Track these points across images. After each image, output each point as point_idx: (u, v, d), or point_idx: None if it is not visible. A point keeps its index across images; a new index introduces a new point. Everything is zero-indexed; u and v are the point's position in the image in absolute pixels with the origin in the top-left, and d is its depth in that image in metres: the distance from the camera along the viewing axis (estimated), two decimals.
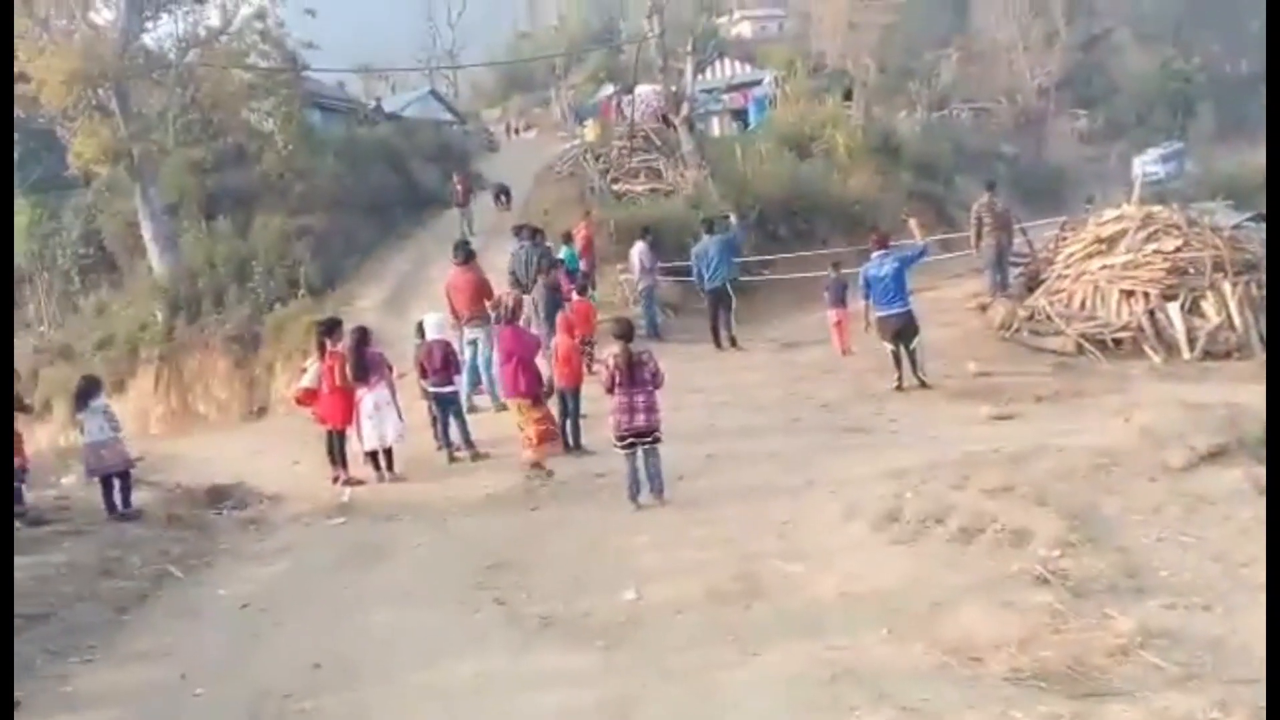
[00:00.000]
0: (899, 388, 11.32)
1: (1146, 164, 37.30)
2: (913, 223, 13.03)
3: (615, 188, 24.57)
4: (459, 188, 23.21)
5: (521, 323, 9.88)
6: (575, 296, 13.35)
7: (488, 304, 11.55)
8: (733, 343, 15.14)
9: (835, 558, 6.36)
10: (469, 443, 10.09)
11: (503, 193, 25.41)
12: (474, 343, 11.88)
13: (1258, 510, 6.39)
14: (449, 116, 42.49)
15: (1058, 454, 7.59)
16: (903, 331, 11.40)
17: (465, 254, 12.28)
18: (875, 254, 11.72)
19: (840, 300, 14.14)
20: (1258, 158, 51.31)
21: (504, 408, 11.67)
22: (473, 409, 11.45)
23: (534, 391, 9.11)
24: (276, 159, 23.48)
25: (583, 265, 16.97)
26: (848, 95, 34.42)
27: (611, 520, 7.69)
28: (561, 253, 16.40)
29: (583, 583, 6.43)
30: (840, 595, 5.79)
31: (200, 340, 18.98)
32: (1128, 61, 60.07)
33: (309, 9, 24.43)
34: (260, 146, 23.93)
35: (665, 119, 26.28)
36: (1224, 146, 55.16)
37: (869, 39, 48.01)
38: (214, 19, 22.88)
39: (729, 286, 15.11)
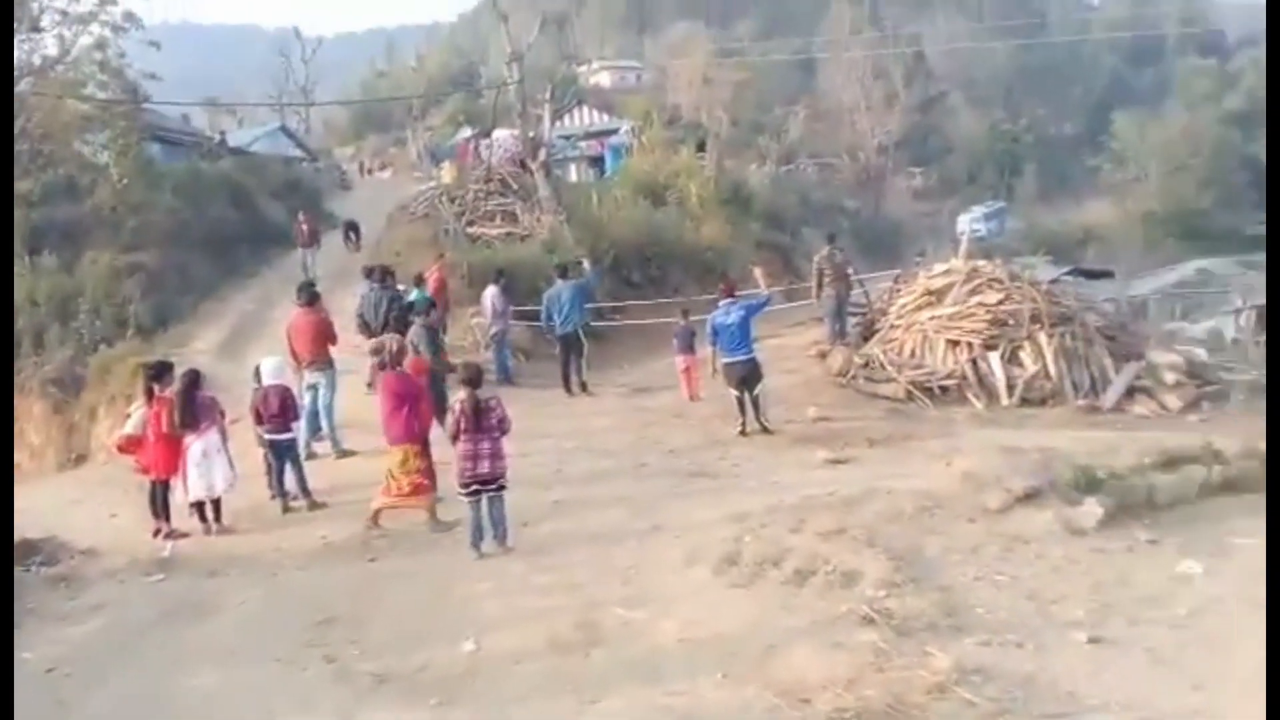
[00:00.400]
0: (743, 433, 11.60)
1: (971, 221, 39.66)
2: (758, 272, 13.47)
3: (470, 231, 24.44)
4: (304, 227, 22.59)
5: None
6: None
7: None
8: (583, 388, 15.20)
9: (676, 603, 6.43)
10: (306, 491, 9.72)
11: (352, 230, 24.89)
12: (314, 387, 11.51)
13: (1067, 549, 6.84)
14: (299, 153, 41.47)
15: (887, 497, 7.92)
16: (747, 378, 11.72)
17: (309, 295, 11.93)
18: (723, 302, 12.05)
19: (689, 347, 14.41)
20: (1078, 215, 55.72)
21: (345, 454, 11.38)
22: (311, 456, 11.07)
23: (425, 437, 8.87)
24: (110, 192, 22.32)
25: (436, 310, 16.72)
26: (701, 147, 35.40)
27: (453, 570, 7.55)
28: (412, 295, 16.13)
29: (419, 636, 6.28)
30: (680, 641, 5.85)
31: (16, 383, 17.69)
32: (961, 123, 64.19)
33: (153, 41, 23.52)
34: (93, 179, 22.72)
35: (522, 164, 26.38)
36: (1047, 204, 59.56)
37: (722, 94, 49.74)
38: (51, 48, 21.80)
39: (580, 332, 15.20)
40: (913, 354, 14.06)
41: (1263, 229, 55.21)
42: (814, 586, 6.35)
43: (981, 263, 15.20)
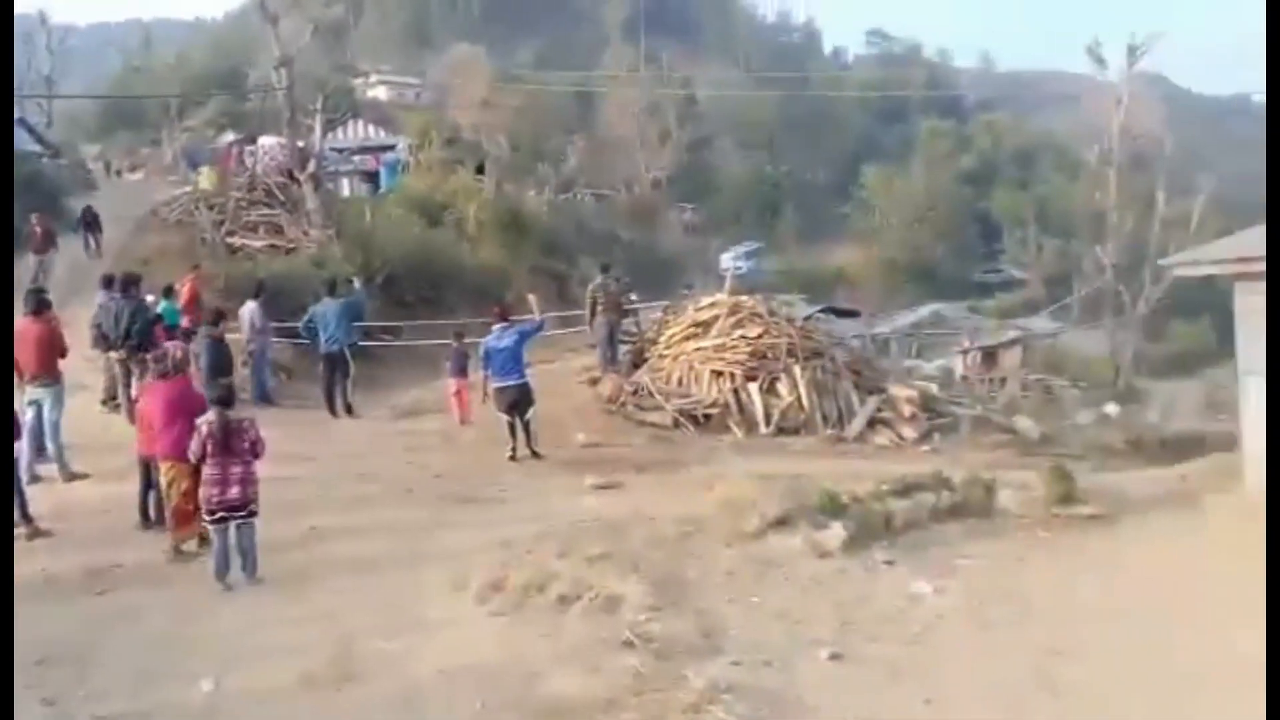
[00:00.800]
0: (513, 458, 11.57)
1: (733, 259, 41.40)
2: (532, 298, 13.53)
3: (230, 241, 23.05)
4: (37, 230, 20.42)
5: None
6: None
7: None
8: (349, 410, 14.66)
9: (437, 632, 6.30)
10: (27, 518, 8.77)
11: (91, 222, 22.53)
12: (36, 403, 10.40)
13: (814, 571, 7.26)
14: (38, 148, 37.64)
15: (651, 523, 8.13)
16: (518, 403, 11.71)
17: (36, 303, 10.81)
18: (496, 326, 11.99)
19: (461, 370, 14.24)
20: (831, 258, 59.73)
21: (75, 477, 10.38)
22: (35, 479, 10.00)
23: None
24: None
25: (184, 322, 15.61)
26: (480, 169, 35.22)
27: (195, 603, 7.03)
28: (160, 307, 15.01)
29: (152, 675, 5.79)
30: (439, 671, 5.71)
31: None
32: (728, 164, 67.34)
33: None
34: None
35: (290, 174, 25.22)
36: (803, 246, 63.42)
37: (502, 118, 49.72)
38: None
39: (347, 351, 14.66)
40: (680, 383, 14.54)
41: (988, 278, 61.59)
42: (577, 612, 6.39)
43: (744, 298, 15.96)
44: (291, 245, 23.12)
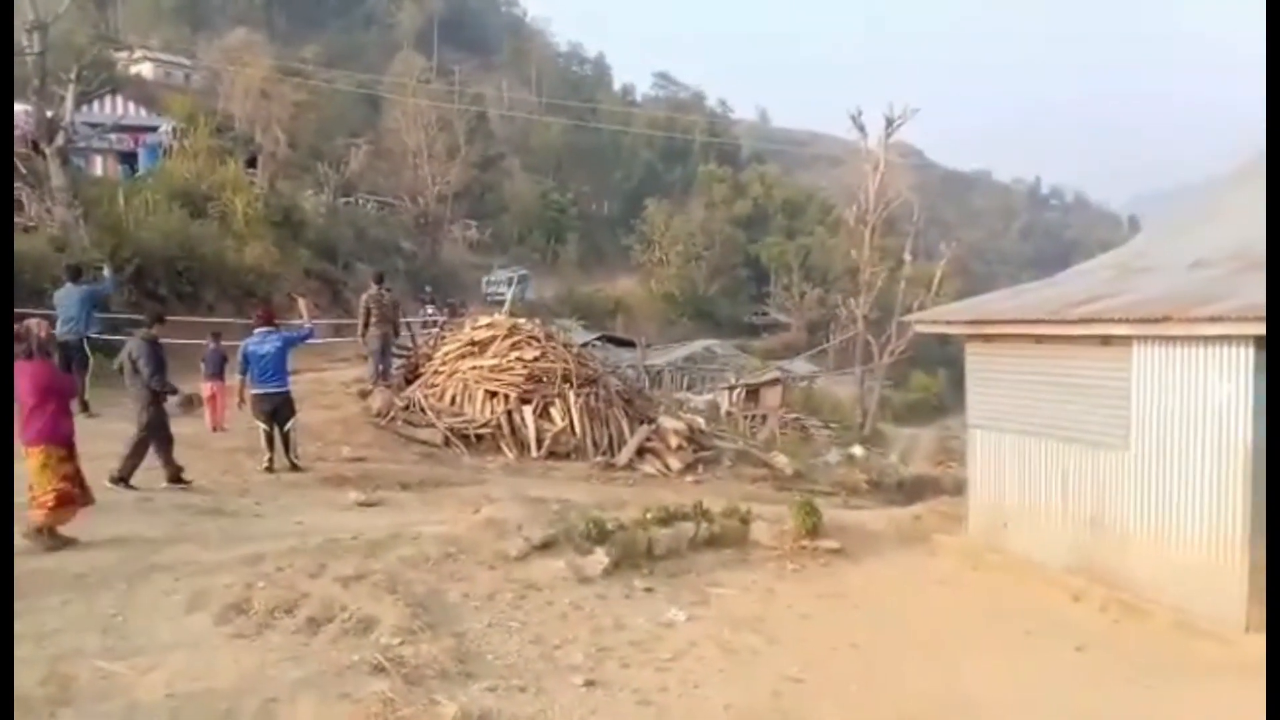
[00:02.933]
0: (269, 469, 10.96)
1: (494, 285, 41.12)
2: (302, 303, 12.95)
3: None
4: None
5: None
6: None
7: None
8: (84, 407, 13.36)
9: (169, 654, 5.80)
10: None
11: None
12: None
13: (575, 596, 7.32)
14: None
15: (413, 542, 7.91)
16: (278, 411, 11.13)
17: None
18: (259, 329, 11.37)
19: (218, 373, 13.37)
20: (611, 287, 60.87)
21: None
22: None
23: (70, 439, 7.72)
24: None
25: None
26: (252, 162, 33.38)
27: None
28: None
29: None
30: (167, 696, 5.27)
31: None
32: (515, 185, 67.38)
33: None
34: None
35: (35, 145, 22.85)
36: (585, 273, 64.41)
37: (281, 112, 47.50)
38: None
39: (85, 343, 13.41)
40: (453, 401, 14.33)
41: (756, 319, 64.78)
42: (328, 634, 6.11)
43: (522, 320, 15.98)
44: (32, 224, 20.98)
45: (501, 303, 25.01)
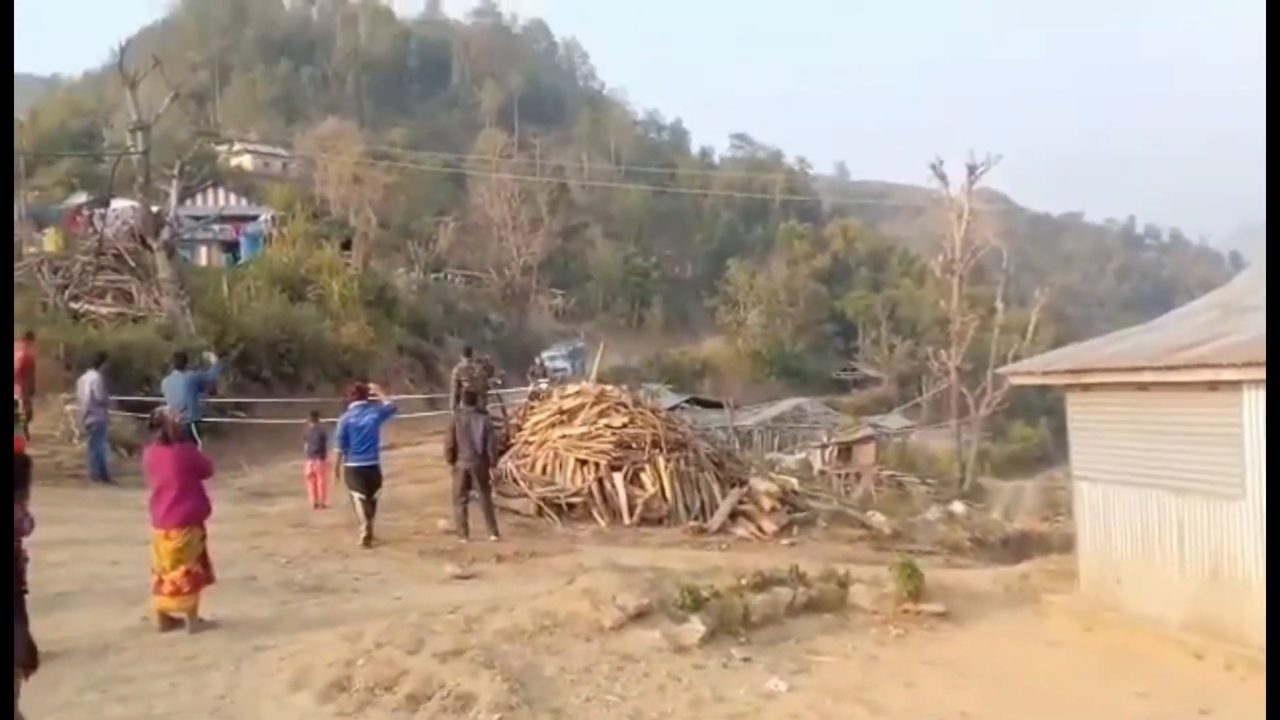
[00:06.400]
0: (367, 543, 11.15)
1: (552, 359, 41.26)
2: (374, 386, 13.19)
3: (74, 306, 21.83)
4: None
5: None
6: None
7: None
8: None
9: None
10: None
11: None
12: None
13: (671, 667, 7.21)
14: None
15: (509, 614, 7.91)
16: (370, 483, 11.39)
17: None
18: (354, 404, 11.71)
19: (319, 451, 13.74)
20: (697, 349, 61.02)
21: None
22: None
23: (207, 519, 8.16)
24: None
25: (16, 393, 14.59)
26: (346, 245, 34.66)
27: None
28: None
29: None
30: None
31: None
32: (598, 253, 68.43)
33: None
34: None
35: (143, 240, 24.17)
36: (670, 336, 64.71)
37: (372, 194, 49.38)
38: None
39: (194, 428, 13.94)
40: (544, 470, 14.42)
41: (845, 375, 64.04)
42: (427, 712, 6.13)
43: (609, 387, 16.07)
44: (141, 314, 22.07)
45: (559, 379, 25.13)
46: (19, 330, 17.06)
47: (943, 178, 37.65)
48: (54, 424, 15.62)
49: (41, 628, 7.20)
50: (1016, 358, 26.58)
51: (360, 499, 11.36)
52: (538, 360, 35.20)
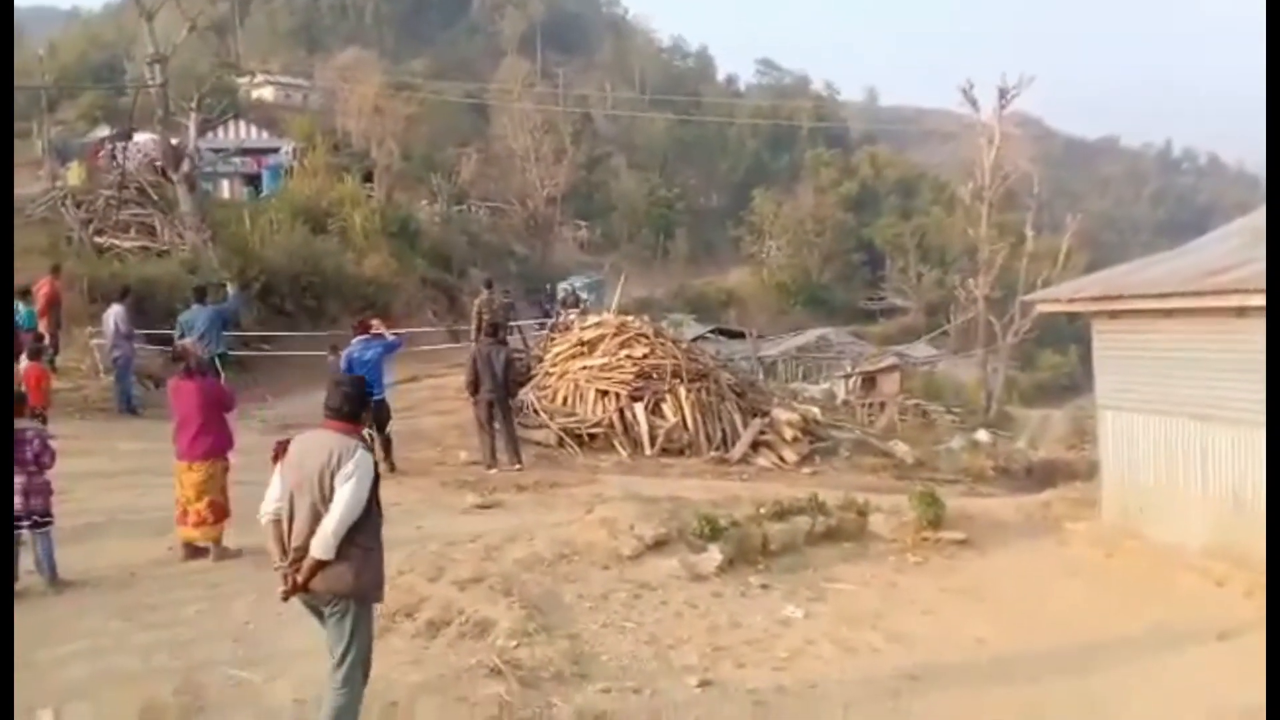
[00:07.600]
0: (391, 469, 11.26)
1: (575, 288, 41.00)
2: (377, 322, 13.10)
3: (98, 240, 21.93)
4: None
5: None
6: (25, 361, 11.50)
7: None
8: None
9: (295, 661, 5.99)
10: None
11: None
12: None
13: (689, 594, 7.26)
14: None
15: (528, 543, 7.99)
16: (377, 416, 11.45)
17: None
18: (358, 338, 11.77)
19: None
20: (722, 280, 60.55)
21: None
22: None
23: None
24: None
25: (42, 326, 14.76)
26: (368, 177, 34.45)
27: (36, 628, 6.49)
28: (20, 313, 14.20)
29: None
30: (294, 701, 5.46)
31: None
32: (622, 184, 67.69)
33: None
34: None
35: (164, 173, 24.12)
36: (695, 267, 64.23)
37: (394, 126, 48.86)
38: None
39: (217, 360, 14.04)
40: (565, 401, 14.44)
41: (872, 304, 63.47)
42: (446, 638, 6.22)
43: (630, 318, 15.98)
44: (164, 248, 22.15)
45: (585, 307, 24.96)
46: (46, 264, 17.23)
47: (973, 101, 36.73)
48: (80, 357, 15.79)
49: (70, 557, 7.40)
50: (1047, 285, 26.13)
51: (368, 434, 11.42)
52: (562, 289, 35.13)
